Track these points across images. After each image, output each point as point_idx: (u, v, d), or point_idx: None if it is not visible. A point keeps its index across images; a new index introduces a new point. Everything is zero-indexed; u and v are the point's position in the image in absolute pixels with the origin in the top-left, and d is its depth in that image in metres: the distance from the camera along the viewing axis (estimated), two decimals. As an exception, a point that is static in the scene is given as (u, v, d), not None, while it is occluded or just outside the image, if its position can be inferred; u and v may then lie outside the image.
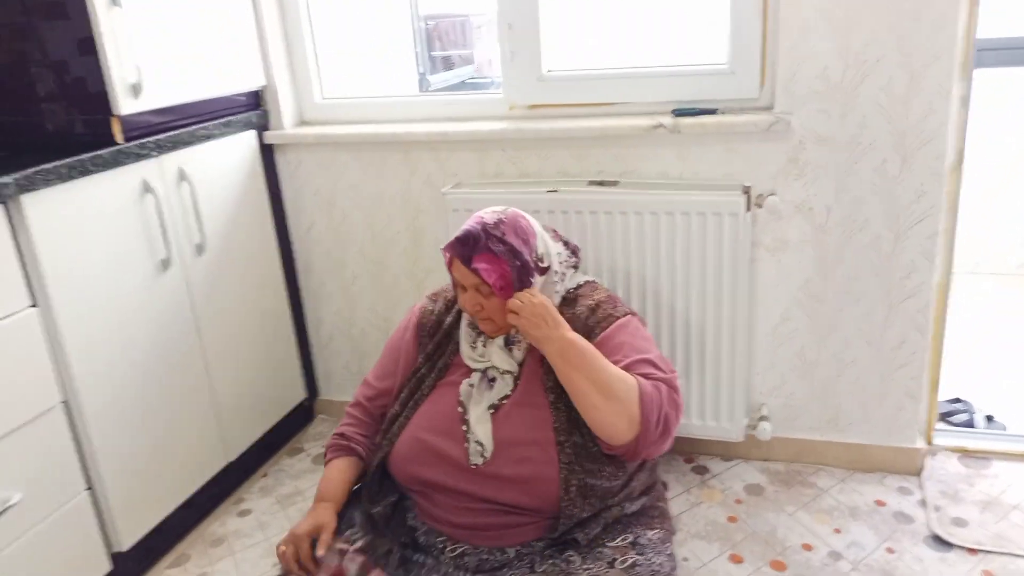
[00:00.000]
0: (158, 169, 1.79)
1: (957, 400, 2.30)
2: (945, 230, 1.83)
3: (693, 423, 1.99)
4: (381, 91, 2.34)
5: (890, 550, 1.75)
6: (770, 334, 1.98)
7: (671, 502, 1.95)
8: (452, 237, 1.45)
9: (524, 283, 1.45)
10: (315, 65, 2.21)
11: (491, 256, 1.41)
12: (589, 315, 1.50)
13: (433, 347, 1.57)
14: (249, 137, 2.11)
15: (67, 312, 1.57)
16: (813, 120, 1.77)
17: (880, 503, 1.91)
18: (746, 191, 1.78)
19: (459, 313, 1.58)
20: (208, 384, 1.98)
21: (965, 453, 2.05)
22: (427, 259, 2.20)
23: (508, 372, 1.48)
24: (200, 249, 1.93)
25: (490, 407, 1.46)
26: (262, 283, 2.18)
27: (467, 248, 1.42)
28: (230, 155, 2.04)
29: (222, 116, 2.02)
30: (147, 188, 1.75)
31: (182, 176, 1.86)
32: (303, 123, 2.25)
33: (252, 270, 2.13)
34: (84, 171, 1.58)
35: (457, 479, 1.45)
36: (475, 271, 1.42)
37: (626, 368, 1.40)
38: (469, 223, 1.46)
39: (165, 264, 1.82)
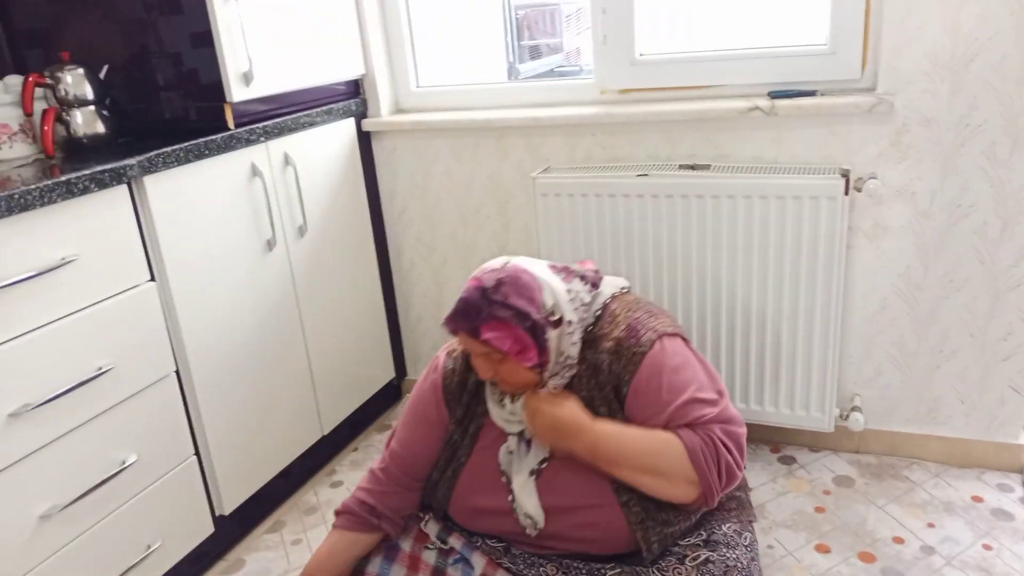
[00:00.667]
0: (265, 154, 1.88)
1: (1066, 398, 2.19)
2: (1058, 217, 1.75)
3: (781, 412, 1.96)
4: (472, 80, 2.38)
5: (987, 547, 1.69)
6: (866, 323, 1.94)
7: (755, 491, 1.94)
8: (451, 310, 1.30)
9: (540, 340, 1.30)
10: (411, 55, 2.27)
11: (499, 323, 1.27)
12: (613, 361, 1.34)
13: (462, 411, 1.45)
14: (348, 124, 2.19)
15: (181, 287, 1.67)
16: (918, 101, 1.71)
17: (977, 499, 1.85)
18: (844, 174, 1.74)
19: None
20: (307, 360, 2.07)
21: (1074, 452, 1.96)
22: (515, 244, 2.24)
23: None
24: (302, 231, 2.02)
25: (531, 473, 1.37)
26: (357, 265, 2.26)
27: (470, 320, 1.28)
28: (330, 142, 2.12)
29: (324, 104, 2.10)
30: (255, 171, 1.85)
31: (287, 161, 1.95)
32: (399, 111, 2.32)
33: (348, 252, 2.22)
34: (199, 155, 1.68)
35: (519, 544, 1.42)
36: (486, 342, 1.28)
37: (668, 424, 1.31)
38: (467, 291, 1.32)
39: (270, 244, 1.91)
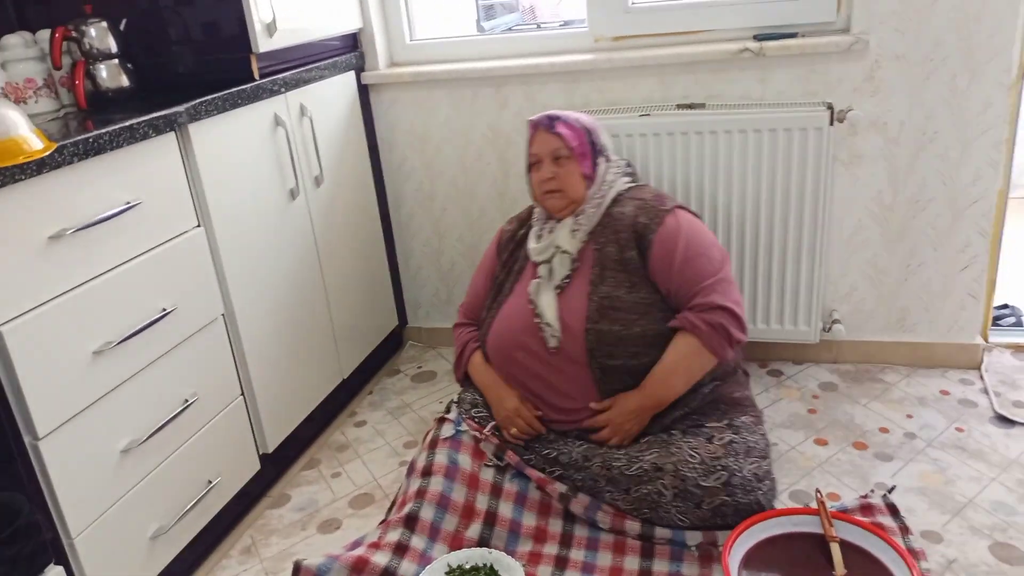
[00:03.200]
0: (285, 105, 1.94)
1: (1005, 306, 2.48)
2: (1007, 139, 1.99)
3: (772, 328, 2.17)
4: (462, 33, 2.47)
5: (959, 429, 1.95)
6: (844, 244, 2.16)
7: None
8: (535, 118, 1.77)
9: (595, 158, 1.75)
10: (405, 8, 2.34)
11: (571, 125, 1.75)
12: (638, 214, 1.71)
13: (508, 255, 1.85)
14: (349, 78, 2.26)
15: (224, 233, 1.73)
16: (889, 39, 1.92)
17: (945, 392, 2.10)
18: (829, 107, 1.93)
19: (530, 225, 1.83)
20: (327, 307, 2.15)
21: (1017, 348, 2.24)
22: (514, 190, 2.36)
23: (567, 253, 1.72)
24: (318, 181, 2.09)
25: (555, 288, 1.72)
26: (363, 216, 2.34)
27: (551, 118, 1.75)
28: (337, 94, 2.19)
29: (328, 58, 2.16)
30: (278, 121, 1.91)
31: (303, 112, 2.01)
32: (394, 64, 2.39)
33: (356, 203, 2.30)
34: (234, 104, 1.73)
35: (536, 363, 1.73)
36: (558, 135, 1.72)
37: (689, 300, 1.66)
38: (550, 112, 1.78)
39: (293, 193, 1.98)
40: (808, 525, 1.53)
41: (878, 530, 1.48)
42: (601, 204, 1.75)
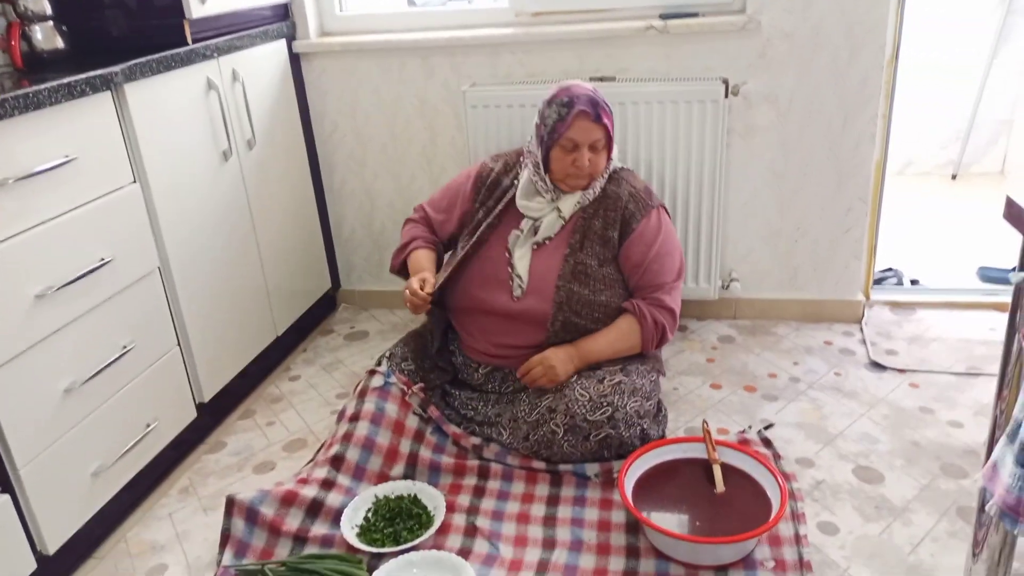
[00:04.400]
0: (217, 69, 2.03)
1: (889, 269, 2.74)
2: (883, 114, 2.22)
3: (677, 286, 2.37)
4: (389, 7, 2.58)
5: (838, 374, 2.18)
6: (741, 208, 2.36)
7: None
8: (568, 97, 1.77)
9: (612, 142, 1.85)
10: (335, -21, 2.44)
11: (610, 115, 1.80)
12: (629, 200, 1.85)
13: (493, 201, 1.93)
14: (280, 46, 2.35)
15: (159, 189, 1.82)
16: (780, 19, 2.11)
17: (828, 343, 2.34)
18: (724, 81, 2.12)
19: (516, 177, 1.92)
20: (260, 267, 2.26)
21: (895, 305, 2.50)
22: (443, 156, 2.50)
23: (562, 218, 1.84)
24: (250, 144, 2.18)
25: (533, 245, 1.84)
26: (295, 180, 2.45)
27: (597, 107, 1.76)
28: (268, 61, 2.28)
29: (259, 26, 2.25)
30: (211, 85, 2.00)
31: (235, 77, 2.10)
32: (324, 34, 2.49)
33: (288, 168, 2.39)
34: (168, 66, 1.82)
35: (496, 304, 1.87)
36: (604, 126, 1.77)
37: (647, 291, 1.86)
38: (576, 89, 1.79)
39: (226, 155, 2.07)
40: (695, 452, 1.72)
41: (755, 453, 1.68)
42: (602, 181, 1.87)
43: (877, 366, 2.19)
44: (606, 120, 1.78)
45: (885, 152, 2.29)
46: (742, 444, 1.81)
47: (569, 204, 1.85)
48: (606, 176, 1.87)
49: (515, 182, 1.92)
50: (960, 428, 1.91)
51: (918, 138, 3.75)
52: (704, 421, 1.75)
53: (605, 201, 1.86)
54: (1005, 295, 2.50)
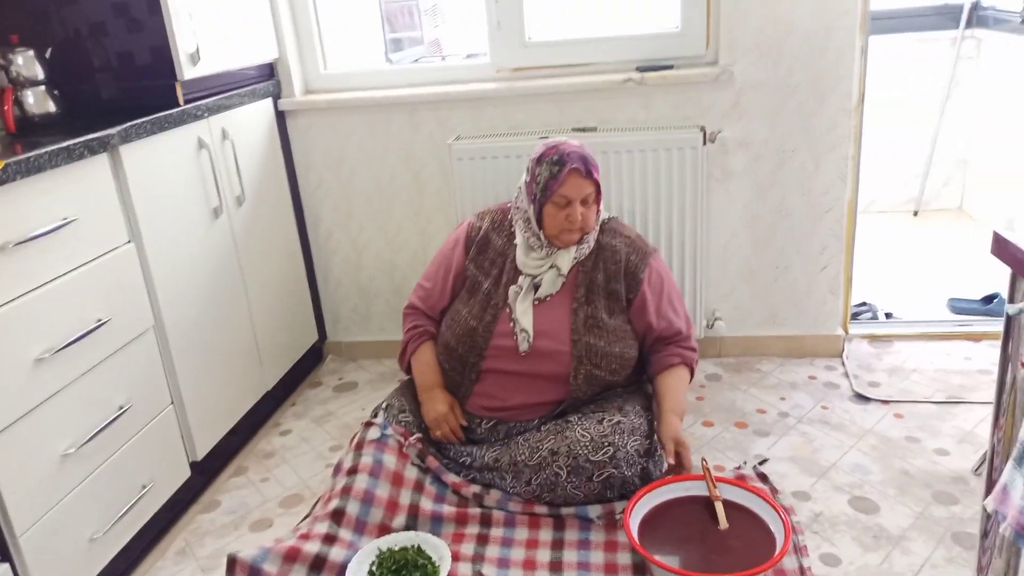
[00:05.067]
0: (208, 129, 2.06)
1: (863, 304, 2.83)
2: (852, 156, 2.32)
3: (663, 327, 2.41)
4: (371, 65, 2.64)
5: (824, 407, 2.23)
6: (721, 249, 2.43)
7: (651, 391, 2.38)
8: (558, 155, 1.80)
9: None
10: (319, 39, 2.50)
11: (597, 168, 1.84)
12: (630, 252, 1.90)
13: (476, 252, 1.96)
14: (267, 104, 2.39)
15: (153, 249, 1.83)
16: (751, 69, 2.22)
17: (812, 377, 2.40)
18: (702, 129, 2.21)
19: (510, 236, 1.95)
20: (250, 321, 2.26)
21: (873, 338, 2.57)
22: (429, 208, 2.54)
23: (561, 276, 1.87)
24: (239, 200, 2.20)
25: (534, 301, 1.87)
26: (282, 234, 2.47)
27: (587, 163, 1.80)
28: (255, 120, 2.32)
29: (246, 85, 2.29)
30: (202, 144, 2.02)
31: (224, 135, 2.13)
32: (309, 92, 2.54)
33: (275, 222, 2.42)
34: (162, 127, 1.85)
35: (510, 363, 1.86)
36: (594, 181, 1.81)
37: (672, 339, 1.94)
38: (565, 147, 1.82)
39: (216, 212, 2.09)
40: (696, 489, 1.75)
41: (755, 488, 1.71)
42: (595, 234, 1.90)
43: (861, 398, 2.25)
44: (596, 175, 1.82)
45: (856, 192, 2.39)
46: (739, 480, 1.84)
47: (566, 260, 1.87)
48: (597, 228, 1.91)
49: (510, 240, 1.94)
50: (947, 456, 1.96)
51: (880, 177, 3.90)
52: (703, 459, 1.78)
53: (602, 253, 1.90)
54: (976, 325, 2.60)
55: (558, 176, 1.79)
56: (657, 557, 1.57)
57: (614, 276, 1.89)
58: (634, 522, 1.66)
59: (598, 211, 1.88)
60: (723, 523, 1.65)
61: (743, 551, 1.58)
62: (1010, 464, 1.00)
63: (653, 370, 1.93)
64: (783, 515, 1.62)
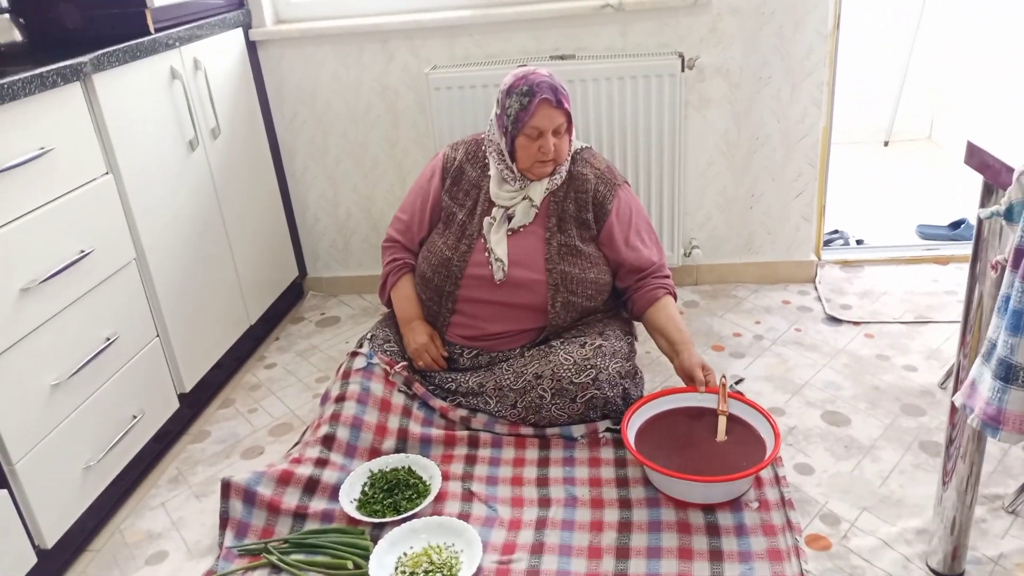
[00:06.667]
0: (180, 58, 2.02)
1: (835, 231, 2.89)
2: (827, 82, 2.34)
3: (641, 255, 2.45)
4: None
5: (798, 329, 2.30)
6: (698, 178, 2.46)
7: (630, 318, 2.43)
8: (528, 86, 1.77)
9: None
10: (288, -34, 2.44)
11: (568, 98, 1.81)
12: (598, 182, 1.89)
13: (451, 183, 1.96)
14: (237, 35, 2.34)
15: (131, 180, 1.81)
16: (728, -5, 2.21)
17: (786, 302, 2.46)
18: (680, 55, 2.21)
19: (483, 167, 1.94)
20: (231, 255, 2.25)
21: (845, 263, 2.64)
22: (406, 139, 2.52)
23: (534, 206, 1.88)
24: (215, 134, 2.17)
25: (508, 231, 1.88)
26: (258, 169, 2.44)
27: (557, 93, 1.78)
28: (226, 50, 2.27)
29: (215, 15, 2.23)
30: (175, 74, 1.98)
31: (197, 65, 2.09)
32: (280, 21, 2.48)
33: (251, 156, 2.39)
34: (133, 56, 1.81)
35: (486, 292, 1.89)
36: (565, 111, 1.79)
37: (648, 271, 1.94)
38: (534, 77, 1.79)
39: (192, 145, 2.06)
40: (684, 401, 1.80)
41: (751, 401, 1.75)
42: (567, 164, 1.89)
43: (834, 320, 2.32)
44: (567, 104, 1.79)
45: (831, 118, 2.41)
46: (738, 394, 1.90)
47: (538, 191, 1.88)
48: (569, 158, 1.91)
49: (483, 172, 1.94)
50: (915, 372, 2.04)
51: (851, 109, 3.92)
52: (723, 376, 1.81)
53: (573, 183, 1.90)
54: (944, 249, 2.67)
55: (528, 107, 1.77)
56: (654, 463, 1.62)
57: (584, 206, 1.89)
58: (631, 430, 1.71)
59: (570, 141, 1.88)
60: (721, 436, 1.70)
61: (736, 459, 1.63)
62: (978, 360, 1.05)
63: (639, 307, 1.93)
64: (771, 419, 1.67)
